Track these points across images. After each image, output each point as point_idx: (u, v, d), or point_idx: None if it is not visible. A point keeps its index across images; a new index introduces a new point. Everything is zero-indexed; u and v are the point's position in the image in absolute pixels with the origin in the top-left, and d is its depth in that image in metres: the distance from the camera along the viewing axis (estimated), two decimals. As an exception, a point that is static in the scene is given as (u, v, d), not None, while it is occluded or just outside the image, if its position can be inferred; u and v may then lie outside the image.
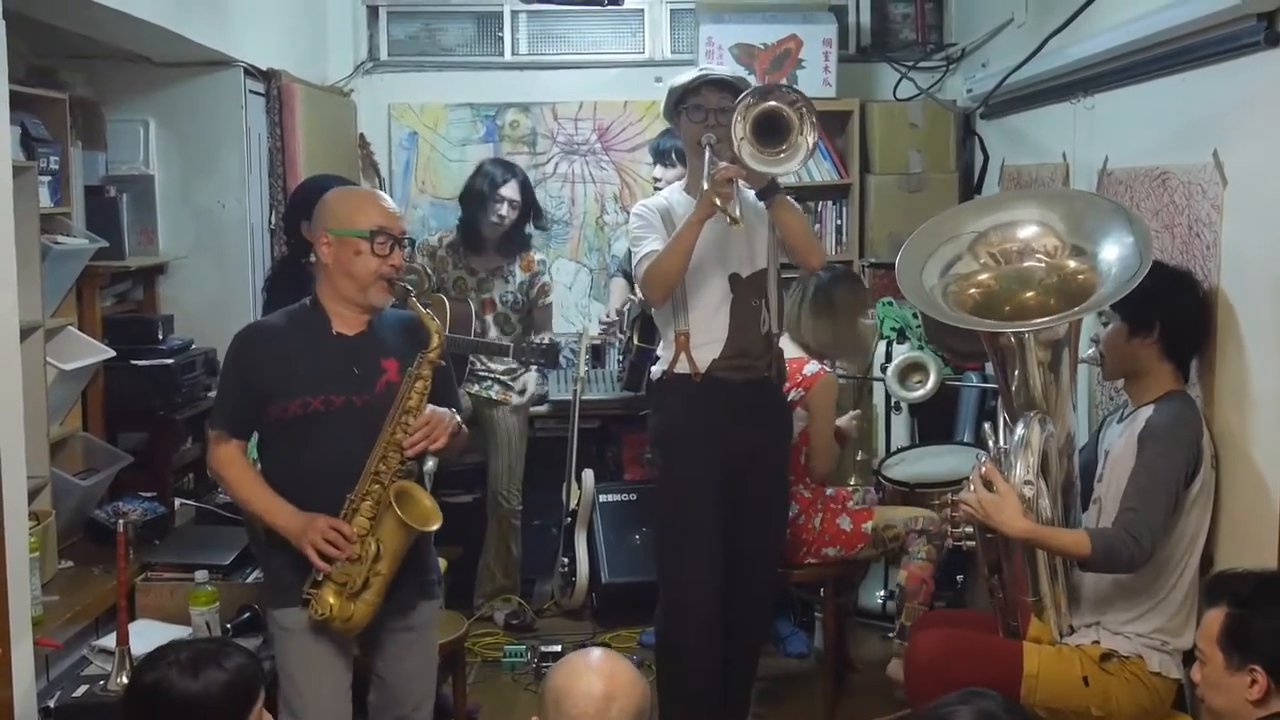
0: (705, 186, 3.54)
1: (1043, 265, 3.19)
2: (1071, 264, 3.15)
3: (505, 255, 5.25)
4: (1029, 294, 3.19)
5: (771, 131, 3.56)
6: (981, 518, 3.07)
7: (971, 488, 3.12)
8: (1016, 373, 3.14)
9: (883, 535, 4.30)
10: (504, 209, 5.11)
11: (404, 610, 3.22)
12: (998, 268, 3.24)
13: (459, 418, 3.22)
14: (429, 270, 5.20)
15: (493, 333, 5.26)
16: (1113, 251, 3.05)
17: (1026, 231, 3.24)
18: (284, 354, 3.12)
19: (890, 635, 4.41)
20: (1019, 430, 3.09)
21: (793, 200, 3.78)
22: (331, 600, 2.99)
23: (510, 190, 5.11)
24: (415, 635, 3.27)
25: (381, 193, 3.31)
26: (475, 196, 5.15)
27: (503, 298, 5.26)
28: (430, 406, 3.09)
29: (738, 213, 3.49)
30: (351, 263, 3.09)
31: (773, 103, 3.55)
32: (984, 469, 3.11)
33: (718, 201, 3.47)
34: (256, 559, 3.34)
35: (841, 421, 4.54)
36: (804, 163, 3.62)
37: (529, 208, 5.22)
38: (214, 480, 4.53)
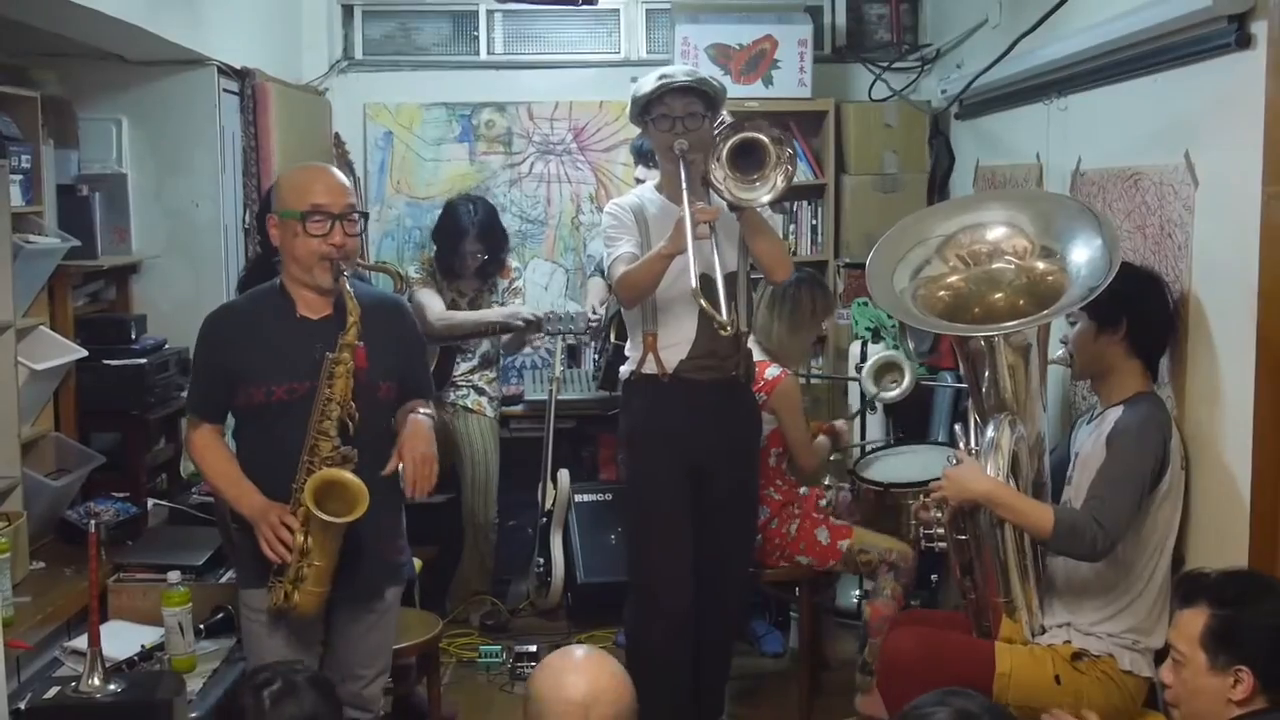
0: (682, 209, 3.54)
1: (1012, 267, 3.20)
2: (1040, 265, 3.17)
3: (485, 277, 5.30)
4: (998, 295, 3.20)
5: (748, 157, 3.56)
6: (949, 492, 3.10)
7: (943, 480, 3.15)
8: (987, 374, 3.16)
9: (856, 558, 4.31)
10: (468, 259, 5.21)
11: (371, 597, 3.27)
12: (967, 270, 3.25)
13: (430, 411, 3.26)
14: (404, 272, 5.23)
15: (485, 345, 5.32)
16: (1082, 254, 3.07)
17: (995, 233, 3.25)
18: (250, 339, 3.13)
19: (858, 661, 4.42)
20: (989, 432, 3.10)
21: (763, 214, 3.78)
22: (285, 588, 3.05)
23: (472, 245, 5.19)
24: (377, 617, 3.31)
25: (327, 168, 3.26)
26: (444, 242, 5.26)
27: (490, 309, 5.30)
28: (408, 436, 3.12)
29: (724, 316, 3.51)
30: (292, 244, 3.10)
31: (757, 135, 3.55)
32: (955, 454, 3.15)
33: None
34: (223, 541, 3.34)
35: (838, 423, 4.64)
36: (772, 199, 3.61)
37: (496, 246, 5.28)
38: (187, 477, 4.56)
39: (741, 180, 3.57)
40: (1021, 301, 3.15)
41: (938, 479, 4.26)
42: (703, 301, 3.48)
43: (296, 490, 3.02)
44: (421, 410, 3.25)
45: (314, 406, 3.04)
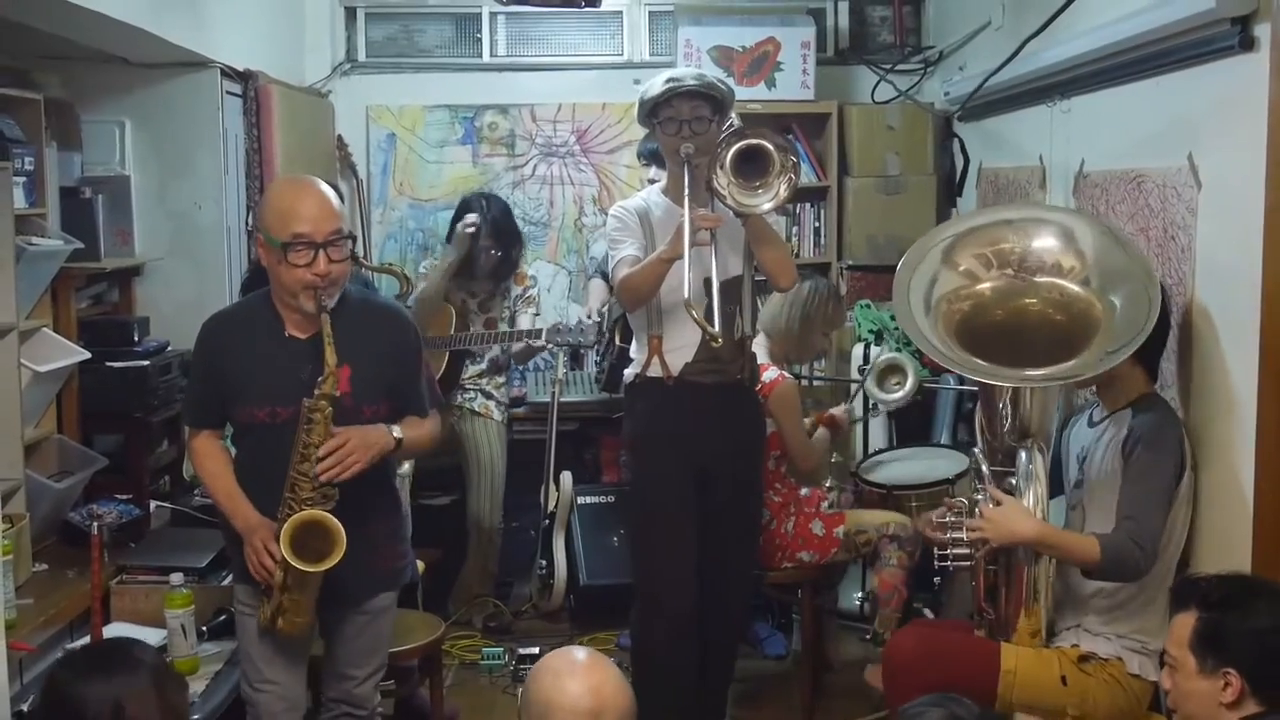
0: (683, 214, 3.55)
1: (1045, 281, 3.16)
2: (1075, 287, 3.13)
3: (498, 280, 5.30)
4: (1030, 300, 3.16)
5: (751, 164, 3.56)
6: (993, 534, 3.08)
7: (979, 512, 3.14)
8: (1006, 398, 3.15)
9: (854, 540, 4.32)
10: (483, 257, 5.19)
11: (361, 601, 3.25)
12: (988, 271, 3.21)
13: (402, 434, 3.15)
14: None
15: (494, 350, 5.32)
16: (1119, 294, 3.03)
17: (1043, 242, 3.20)
18: (241, 354, 3.10)
19: (866, 638, 4.42)
20: (1023, 460, 3.11)
21: (768, 219, 3.78)
22: (271, 611, 3.05)
23: (485, 240, 5.17)
24: (369, 619, 3.29)
25: (312, 188, 3.07)
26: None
27: (502, 314, 5.31)
28: (358, 430, 3.01)
29: (715, 328, 3.51)
30: (276, 270, 3.02)
31: (761, 142, 3.55)
32: (991, 493, 3.14)
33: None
34: (223, 536, 3.34)
35: (836, 411, 4.61)
36: (774, 207, 3.60)
37: (509, 244, 5.27)
38: (189, 479, 4.56)
39: (744, 187, 3.57)
40: (1050, 310, 3.12)
41: (939, 482, 4.28)
42: (693, 313, 3.49)
43: (280, 522, 2.99)
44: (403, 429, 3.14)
45: (293, 448, 2.98)
